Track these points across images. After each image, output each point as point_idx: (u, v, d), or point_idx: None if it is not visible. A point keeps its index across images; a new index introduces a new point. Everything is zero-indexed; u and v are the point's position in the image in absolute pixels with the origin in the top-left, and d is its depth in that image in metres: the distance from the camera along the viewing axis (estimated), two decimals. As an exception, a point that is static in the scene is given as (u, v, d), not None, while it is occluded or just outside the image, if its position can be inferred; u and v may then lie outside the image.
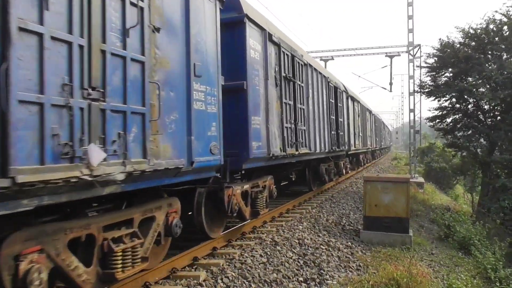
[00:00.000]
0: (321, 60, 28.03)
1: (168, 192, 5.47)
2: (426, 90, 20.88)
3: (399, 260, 7.48)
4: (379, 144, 38.62)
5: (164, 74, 4.78)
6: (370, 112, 28.73)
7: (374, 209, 9.11)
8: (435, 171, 31.34)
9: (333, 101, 14.42)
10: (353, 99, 19.69)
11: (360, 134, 21.45)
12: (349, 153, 17.79)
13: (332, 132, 13.81)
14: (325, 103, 13.08)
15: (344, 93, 16.83)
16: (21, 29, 2.92)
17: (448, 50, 19.22)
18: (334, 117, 14.35)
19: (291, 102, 9.39)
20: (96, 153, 3.45)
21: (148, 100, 4.33)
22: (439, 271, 8.04)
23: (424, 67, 21.20)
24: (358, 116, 21.18)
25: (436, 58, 20.21)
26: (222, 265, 6.00)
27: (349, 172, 20.01)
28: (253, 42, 7.41)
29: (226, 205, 6.57)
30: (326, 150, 12.83)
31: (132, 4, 4.13)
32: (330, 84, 13.99)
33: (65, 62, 3.32)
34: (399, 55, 27.49)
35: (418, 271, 6.72)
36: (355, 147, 19.06)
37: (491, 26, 18.28)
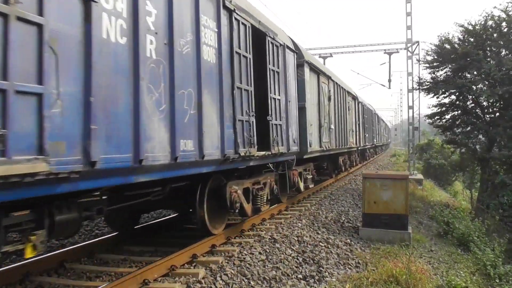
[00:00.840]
0: (319, 57, 27.95)
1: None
2: (425, 87, 20.86)
3: (398, 257, 7.47)
4: (371, 141, 30.09)
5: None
6: (355, 98, 21.28)
7: (373, 206, 9.11)
8: (434, 167, 31.36)
9: (248, 55, 7.43)
10: (318, 71, 12.69)
11: (332, 127, 14.11)
12: (305, 157, 11.07)
13: (239, 119, 6.91)
14: (211, 52, 6.19)
15: (290, 52, 9.83)
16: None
17: (448, 47, 19.21)
18: (251, 89, 7.42)
19: None
20: None
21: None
22: (438, 267, 8.04)
23: (423, 61, 21.18)
24: (329, 99, 14.01)
25: (435, 55, 20.18)
26: (221, 262, 5.99)
27: (311, 186, 12.79)
28: None
29: None
30: (212, 157, 6.05)
31: None
32: (236, 17, 7.06)
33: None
34: (398, 52, 27.50)
35: (417, 268, 6.72)
36: (321, 146, 12.57)
37: (490, 23, 18.26)
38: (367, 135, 26.10)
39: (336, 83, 15.79)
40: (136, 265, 6.01)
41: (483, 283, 8.18)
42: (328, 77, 14.34)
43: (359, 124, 21.68)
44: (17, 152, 3.13)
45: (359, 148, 23.04)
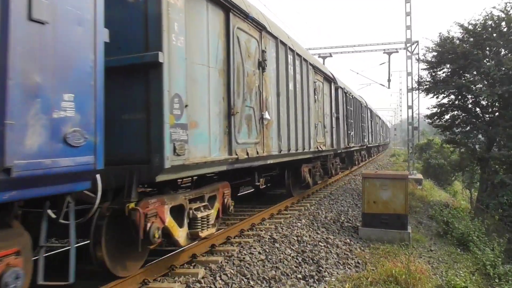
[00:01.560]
0: (319, 57, 27.96)
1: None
2: (425, 87, 20.86)
3: (398, 256, 7.48)
4: (360, 141, 23.00)
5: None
6: (331, 81, 14.92)
7: (372, 206, 9.12)
8: (434, 167, 31.36)
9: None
10: (226, 5, 6.51)
11: (267, 117, 8.11)
12: (160, 179, 4.78)
13: None
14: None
15: None
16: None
17: (447, 45, 19.21)
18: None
19: None
20: None
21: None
22: (438, 267, 8.05)
23: (422, 61, 21.18)
24: (261, 67, 7.91)
25: (435, 53, 20.17)
26: (221, 262, 5.99)
27: (204, 234, 6.06)
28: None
29: None
30: None
31: None
32: None
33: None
34: (397, 51, 27.53)
35: (417, 267, 6.72)
36: (231, 152, 6.51)
37: (489, 22, 18.28)
38: (351, 133, 19.64)
39: (282, 42, 9.17)
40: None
41: (483, 283, 8.19)
42: (261, 27, 7.87)
43: (338, 118, 15.96)
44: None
45: (341, 151, 17.30)
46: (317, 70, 12.37)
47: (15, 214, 3.54)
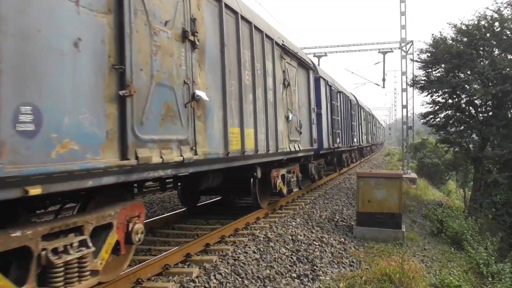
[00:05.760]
0: (314, 56, 27.97)
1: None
2: (419, 85, 20.93)
3: (392, 255, 7.49)
4: (350, 140, 20.84)
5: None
6: (308, 69, 12.12)
7: (367, 205, 9.13)
8: (428, 166, 31.52)
9: None
10: None
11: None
12: None
13: None
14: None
15: None
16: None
17: (442, 46, 19.28)
18: None
19: None
20: None
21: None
22: (432, 266, 8.08)
23: (417, 61, 21.26)
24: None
25: (429, 54, 20.24)
26: (215, 261, 5.98)
27: None
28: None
29: None
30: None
31: None
32: None
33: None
34: (392, 51, 27.56)
35: (411, 266, 6.73)
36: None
37: (483, 22, 18.38)
38: (338, 132, 16.54)
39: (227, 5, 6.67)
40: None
41: (476, 281, 8.23)
42: None
43: (320, 114, 13.56)
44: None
45: (325, 152, 14.75)
46: (286, 51, 9.58)
47: None
